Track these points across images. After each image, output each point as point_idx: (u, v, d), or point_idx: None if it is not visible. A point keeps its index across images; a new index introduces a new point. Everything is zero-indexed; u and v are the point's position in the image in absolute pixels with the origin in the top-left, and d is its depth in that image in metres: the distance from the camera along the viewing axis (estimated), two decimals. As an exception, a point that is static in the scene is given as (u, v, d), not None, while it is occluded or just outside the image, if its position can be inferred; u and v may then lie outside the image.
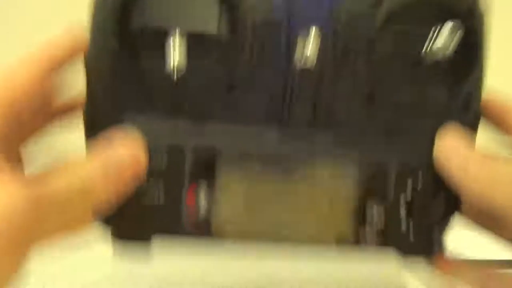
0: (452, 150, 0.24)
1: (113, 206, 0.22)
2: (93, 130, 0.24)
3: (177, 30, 0.22)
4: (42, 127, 0.26)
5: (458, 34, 0.21)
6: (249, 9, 0.23)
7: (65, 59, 0.24)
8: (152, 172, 0.23)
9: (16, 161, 0.23)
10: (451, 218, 0.28)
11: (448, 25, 0.22)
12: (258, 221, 0.26)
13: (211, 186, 0.25)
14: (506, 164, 0.23)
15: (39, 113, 0.25)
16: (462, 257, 0.28)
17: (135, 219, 0.24)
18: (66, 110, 0.27)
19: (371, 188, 0.26)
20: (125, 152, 0.22)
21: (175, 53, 0.21)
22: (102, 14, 0.22)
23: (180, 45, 0.21)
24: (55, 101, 0.26)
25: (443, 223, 0.27)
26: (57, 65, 0.23)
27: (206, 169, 0.24)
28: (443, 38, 0.22)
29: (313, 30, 0.23)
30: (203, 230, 0.25)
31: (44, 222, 0.19)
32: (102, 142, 0.22)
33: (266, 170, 0.25)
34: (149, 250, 0.26)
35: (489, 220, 0.29)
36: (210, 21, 0.23)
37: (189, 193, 0.24)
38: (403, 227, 0.27)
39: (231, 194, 0.25)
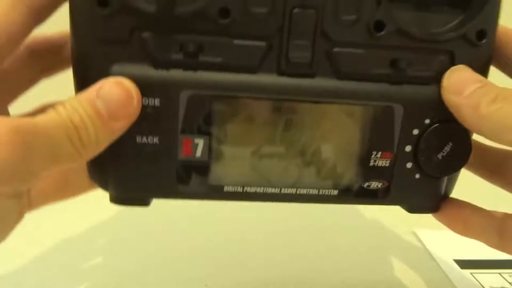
0: (462, 85, 0.23)
1: (106, 147, 0.21)
2: (81, 82, 0.22)
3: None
4: (29, 83, 0.25)
5: None
6: None
7: (52, 5, 0.22)
8: (144, 119, 0.22)
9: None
10: (459, 170, 0.27)
11: None
12: (259, 170, 0.25)
13: (207, 137, 0.23)
14: None
15: (26, 66, 0.24)
16: (477, 209, 0.27)
17: (132, 182, 0.24)
18: (54, 66, 0.26)
19: (376, 136, 0.25)
20: (115, 86, 0.21)
21: None
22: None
23: None
24: (42, 56, 0.25)
25: (452, 175, 0.26)
26: (43, 11, 0.22)
27: (201, 118, 0.23)
28: None
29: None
30: (199, 187, 0.24)
31: (32, 156, 0.18)
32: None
33: (265, 116, 0.24)
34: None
35: (496, 171, 0.28)
36: None
37: (185, 145, 0.23)
38: (409, 180, 0.25)
39: (229, 144, 0.24)
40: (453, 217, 0.27)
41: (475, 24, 0.23)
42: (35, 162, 0.18)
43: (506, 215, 0.25)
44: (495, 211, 0.26)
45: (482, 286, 0.35)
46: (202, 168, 0.24)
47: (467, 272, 0.37)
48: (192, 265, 0.35)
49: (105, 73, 0.22)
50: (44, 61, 0.25)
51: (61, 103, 0.20)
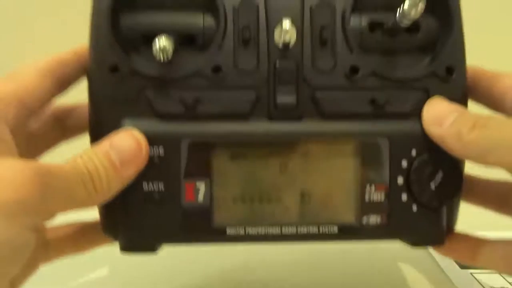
0: (441, 117, 0.24)
1: (116, 193, 0.24)
2: (96, 136, 0.25)
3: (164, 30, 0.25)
4: (51, 145, 0.29)
5: (422, 1, 0.23)
6: None
7: (73, 77, 0.27)
8: (150, 167, 0.25)
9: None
10: (457, 200, 0.27)
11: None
12: (259, 212, 0.26)
13: (207, 181, 0.25)
14: (498, 129, 0.23)
15: (50, 130, 0.28)
16: (481, 240, 0.27)
17: (140, 229, 0.25)
18: (77, 130, 0.30)
19: (368, 171, 0.26)
20: (126, 137, 0.24)
21: (161, 39, 0.23)
22: (100, 33, 0.25)
23: (167, 38, 0.24)
24: (66, 121, 0.29)
25: (449, 206, 0.27)
26: (66, 82, 0.26)
27: (201, 164, 0.25)
28: (407, 6, 0.23)
29: (290, 11, 0.25)
30: (203, 231, 0.26)
31: (49, 196, 0.20)
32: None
33: (261, 159, 0.26)
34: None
35: (503, 204, 0.28)
36: (196, 21, 0.26)
37: (188, 190, 0.25)
38: (407, 212, 0.26)
39: (229, 187, 0.26)
40: (460, 251, 0.26)
41: (442, 62, 0.26)
42: (52, 202, 0.20)
43: (507, 243, 0.25)
44: (500, 240, 0.26)
45: (482, 286, 0.34)
46: (204, 212, 0.25)
47: (467, 272, 0.36)
48: None
49: (116, 128, 0.25)
50: (65, 126, 0.29)
51: (78, 154, 0.23)
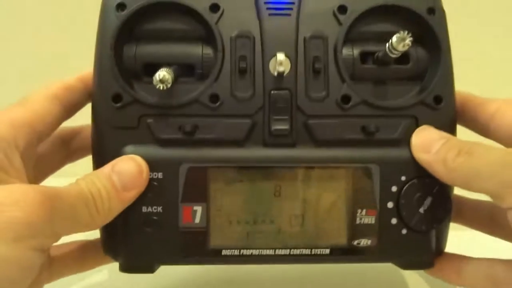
0: (429, 143, 0.25)
1: (118, 214, 0.25)
2: (99, 160, 0.27)
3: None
4: (57, 166, 0.30)
5: (409, 37, 0.24)
6: (226, 27, 0.27)
7: (79, 103, 0.28)
8: (149, 191, 0.26)
9: None
10: (446, 224, 0.28)
11: (397, 34, 0.25)
12: (254, 234, 0.27)
13: (204, 204, 0.26)
14: (480, 156, 0.24)
15: (56, 151, 0.29)
16: (465, 259, 0.27)
17: (139, 250, 0.26)
18: (81, 152, 0.31)
19: (359, 195, 0.27)
20: (128, 161, 0.25)
21: (161, 72, 0.24)
22: (104, 64, 0.26)
23: (167, 70, 0.25)
24: (71, 143, 0.30)
25: (438, 230, 0.27)
26: (73, 108, 0.28)
27: (199, 188, 0.26)
28: (395, 40, 0.25)
29: (284, 43, 0.27)
30: (199, 252, 0.26)
31: (56, 218, 0.21)
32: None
33: (256, 184, 0.27)
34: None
35: (481, 221, 0.29)
36: (195, 51, 0.27)
37: (185, 213, 0.26)
38: (397, 236, 0.27)
39: (225, 210, 0.27)
40: (446, 271, 0.27)
41: (431, 91, 0.27)
42: (58, 224, 0.22)
43: (493, 262, 0.26)
44: (483, 259, 0.27)
45: None
46: (201, 234, 0.27)
47: None
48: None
49: (118, 153, 0.26)
50: (70, 148, 0.30)
51: (82, 177, 0.24)
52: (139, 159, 0.25)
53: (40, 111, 0.25)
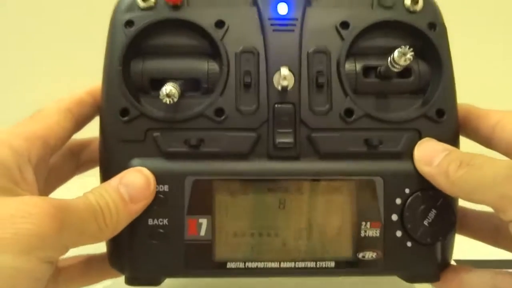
0: (431, 156, 0.26)
1: (124, 226, 0.25)
2: (106, 173, 0.27)
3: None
4: (67, 177, 0.30)
5: (410, 51, 0.25)
6: (231, 42, 0.27)
7: (89, 116, 0.29)
8: (155, 204, 0.26)
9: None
10: (451, 236, 0.28)
11: (398, 49, 0.25)
12: (259, 246, 0.27)
13: (209, 217, 0.27)
14: (481, 168, 0.24)
15: (66, 163, 0.30)
16: (469, 270, 0.27)
17: (145, 262, 0.26)
18: (90, 164, 0.31)
19: (363, 207, 0.27)
20: (136, 174, 0.25)
21: (168, 87, 0.25)
22: (112, 80, 0.27)
23: (173, 85, 0.26)
24: (80, 155, 0.31)
25: (443, 242, 0.27)
26: (83, 122, 0.28)
27: (204, 200, 0.27)
28: (397, 55, 0.25)
29: (288, 57, 0.27)
30: (205, 265, 0.27)
31: (65, 231, 0.21)
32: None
33: (261, 196, 0.27)
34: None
35: (486, 232, 0.29)
36: (200, 66, 0.28)
37: (190, 225, 0.27)
38: (402, 248, 0.27)
39: (230, 222, 0.27)
40: (450, 282, 0.27)
41: (433, 105, 0.27)
42: (67, 237, 0.22)
43: (497, 273, 0.26)
44: (486, 270, 0.27)
45: None
46: (206, 246, 0.27)
47: None
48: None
49: (125, 166, 0.26)
50: (79, 160, 0.31)
51: (90, 191, 0.25)
52: (146, 171, 0.26)
53: (53, 125, 0.26)
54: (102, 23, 0.29)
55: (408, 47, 0.25)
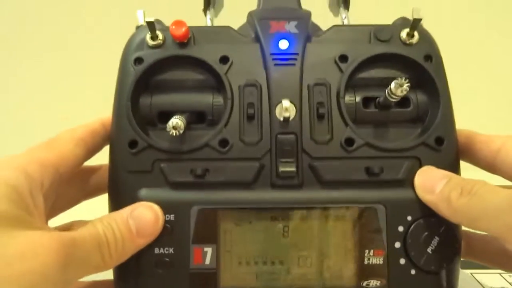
0: (432, 184, 0.26)
1: (130, 257, 0.26)
2: (115, 202, 0.28)
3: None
4: (73, 203, 0.31)
5: (406, 82, 0.26)
6: (235, 76, 0.29)
7: (100, 146, 0.30)
8: (161, 233, 0.27)
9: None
10: (456, 263, 0.28)
11: (395, 81, 0.26)
12: (263, 274, 0.27)
13: (214, 245, 0.27)
14: (484, 197, 0.24)
15: (74, 188, 0.31)
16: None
17: None
18: (98, 190, 0.32)
19: (366, 235, 0.27)
20: (147, 209, 0.26)
21: (174, 120, 0.26)
22: (122, 113, 0.28)
23: (179, 119, 0.27)
24: (89, 181, 0.32)
25: (448, 269, 0.27)
26: (94, 150, 0.30)
27: (209, 229, 0.27)
28: (393, 86, 0.26)
29: (289, 90, 0.28)
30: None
31: (70, 265, 0.22)
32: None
33: (265, 225, 0.28)
34: None
35: (492, 255, 0.29)
36: (206, 100, 0.29)
37: (196, 254, 0.27)
38: (406, 276, 0.27)
39: (234, 250, 0.27)
40: None
41: (432, 133, 0.28)
42: (71, 271, 0.22)
43: None
44: None
45: (482, 286, 0.34)
46: (211, 275, 0.27)
47: (467, 272, 0.36)
48: None
49: (133, 196, 0.27)
50: (88, 186, 0.32)
51: (99, 218, 0.25)
52: (156, 208, 0.27)
53: (66, 154, 0.27)
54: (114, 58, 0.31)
55: (404, 78, 0.26)
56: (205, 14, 0.37)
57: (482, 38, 0.67)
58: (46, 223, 0.25)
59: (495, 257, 0.29)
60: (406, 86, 0.26)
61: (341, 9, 0.36)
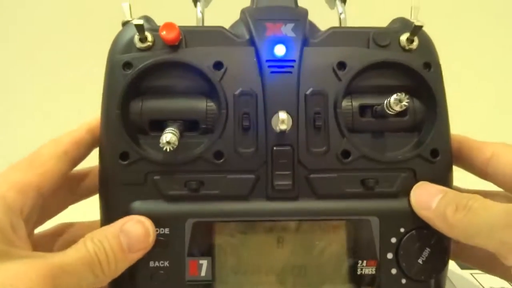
0: (427, 200, 0.26)
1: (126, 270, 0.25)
2: (106, 216, 0.28)
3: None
4: (60, 208, 0.31)
5: (406, 98, 0.25)
6: (229, 84, 0.28)
7: (85, 155, 0.29)
8: (156, 246, 0.27)
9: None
10: (444, 273, 0.29)
11: (395, 96, 0.26)
12: (258, 286, 0.28)
13: (209, 258, 0.27)
14: (479, 213, 0.24)
15: (60, 193, 0.30)
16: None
17: None
18: (88, 193, 0.32)
19: (360, 246, 0.28)
20: (137, 224, 0.26)
21: (168, 135, 0.25)
22: (111, 123, 0.27)
23: (173, 133, 0.26)
24: (78, 185, 0.31)
25: (437, 278, 0.28)
26: (79, 161, 0.29)
27: (204, 242, 0.27)
28: (392, 101, 0.26)
29: (286, 100, 0.28)
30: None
31: None
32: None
33: (260, 236, 0.28)
34: None
35: (482, 260, 0.30)
36: (199, 106, 0.28)
37: (191, 266, 0.27)
38: (397, 286, 0.28)
39: (230, 262, 0.28)
40: None
41: (427, 145, 0.28)
42: None
43: None
44: None
45: (482, 286, 0.35)
46: (207, 287, 0.27)
47: (467, 272, 0.37)
48: None
49: (126, 209, 0.27)
50: (77, 190, 0.31)
51: (90, 236, 0.25)
52: (147, 222, 0.26)
53: (49, 172, 0.26)
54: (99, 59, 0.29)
55: (404, 94, 0.25)
56: (195, 5, 0.34)
57: (476, 40, 0.66)
58: (31, 248, 0.24)
59: (485, 262, 0.30)
60: (405, 102, 0.25)
61: (338, 2, 0.35)
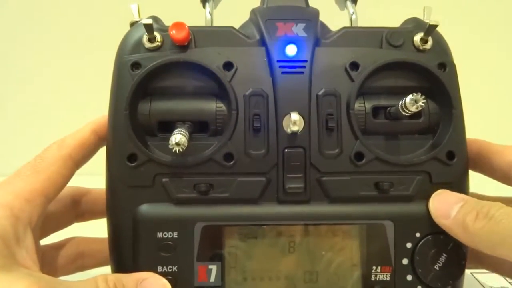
0: (447, 209, 0.25)
1: None
2: (113, 220, 0.27)
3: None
4: (64, 225, 0.30)
5: (422, 99, 0.25)
6: (240, 84, 0.27)
7: (89, 157, 0.28)
8: (164, 251, 0.26)
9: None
10: (461, 280, 0.28)
11: (411, 96, 0.25)
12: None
13: (219, 263, 0.26)
14: (502, 223, 0.23)
15: (66, 210, 0.30)
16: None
17: None
18: (87, 214, 0.31)
19: (374, 252, 0.27)
20: (156, 283, 0.24)
21: (177, 136, 0.24)
22: (119, 124, 0.26)
23: (182, 134, 0.25)
24: (79, 204, 0.31)
25: (454, 285, 0.27)
26: (83, 163, 0.28)
27: (214, 246, 0.26)
28: (408, 102, 0.25)
29: (298, 101, 0.27)
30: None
31: None
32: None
33: (270, 240, 0.27)
34: None
35: (506, 265, 0.29)
36: (208, 107, 0.27)
37: (200, 272, 0.26)
38: (414, 292, 0.27)
39: (240, 267, 0.27)
40: None
41: (443, 147, 0.27)
42: None
43: None
44: None
45: (482, 286, 0.35)
46: None
47: (467, 272, 0.36)
48: None
49: (133, 212, 0.26)
50: (79, 208, 0.30)
51: (104, 277, 0.23)
52: (165, 282, 0.25)
53: (54, 177, 0.25)
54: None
55: (420, 94, 0.25)
56: (204, 6, 0.34)
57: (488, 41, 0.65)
58: (36, 259, 0.23)
59: (506, 267, 0.29)
60: (421, 103, 0.25)
61: (348, 3, 0.34)
